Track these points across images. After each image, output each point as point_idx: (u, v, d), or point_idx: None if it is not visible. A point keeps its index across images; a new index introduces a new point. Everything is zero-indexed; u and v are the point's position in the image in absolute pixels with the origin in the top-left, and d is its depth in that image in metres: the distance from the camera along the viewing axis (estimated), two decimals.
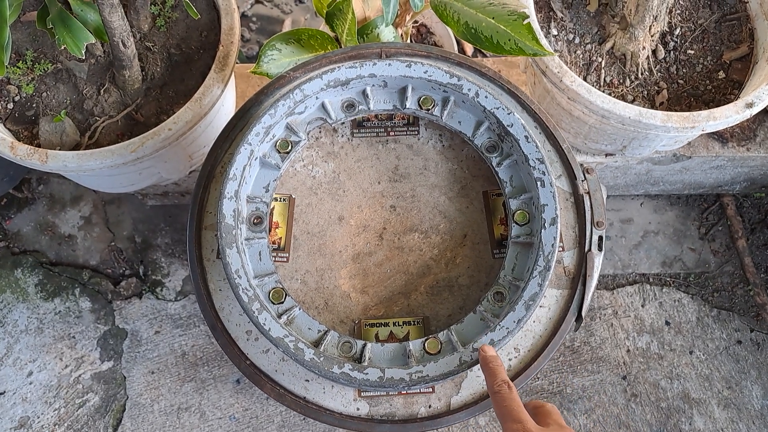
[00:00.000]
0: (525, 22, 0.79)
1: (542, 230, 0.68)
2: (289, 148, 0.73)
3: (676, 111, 1.02)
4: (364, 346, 0.67)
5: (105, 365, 1.28)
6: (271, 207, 0.77)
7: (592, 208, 0.75)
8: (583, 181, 0.76)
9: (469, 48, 1.47)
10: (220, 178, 0.75)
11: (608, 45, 1.06)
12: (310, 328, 0.68)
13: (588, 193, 0.76)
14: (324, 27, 1.05)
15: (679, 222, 1.44)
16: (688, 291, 1.39)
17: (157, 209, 1.40)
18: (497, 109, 0.72)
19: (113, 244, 1.39)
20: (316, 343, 0.67)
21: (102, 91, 0.99)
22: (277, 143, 0.73)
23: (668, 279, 1.40)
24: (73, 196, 1.42)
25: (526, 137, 0.71)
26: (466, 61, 0.81)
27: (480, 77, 0.80)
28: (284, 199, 0.78)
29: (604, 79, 1.06)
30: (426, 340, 0.67)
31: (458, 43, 1.31)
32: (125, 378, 1.27)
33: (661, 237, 1.43)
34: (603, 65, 1.06)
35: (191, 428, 1.24)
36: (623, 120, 0.95)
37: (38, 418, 1.24)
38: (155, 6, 1.02)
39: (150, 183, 1.08)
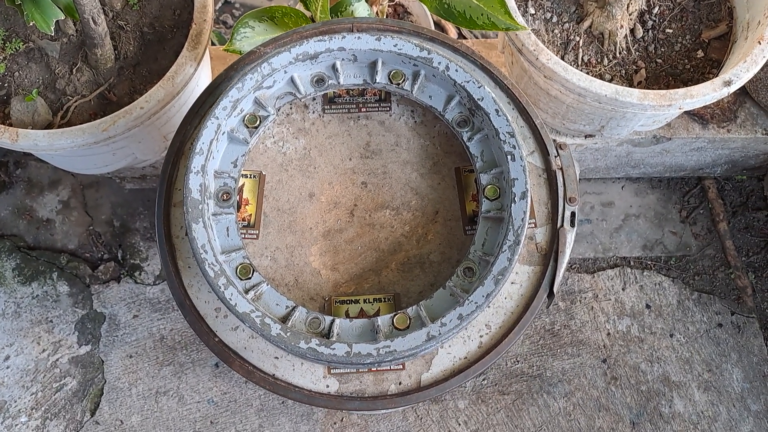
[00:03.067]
0: None
1: (512, 204, 0.68)
2: (258, 122, 0.72)
3: (654, 89, 1.02)
4: (333, 321, 0.66)
5: (83, 349, 1.27)
6: (241, 184, 0.76)
7: (564, 184, 0.75)
8: (556, 157, 0.76)
9: (452, 32, 1.46)
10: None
11: (586, 24, 1.05)
12: (278, 304, 0.67)
13: (561, 168, 0.75)
14: (300, 6, 1.04)
15: (660, 205, 1.44)
16: (669, 274, 1.39)
17: (136, 193, 1.39)
18: (467, 82, 0.71)
19: (91, 228, 1.38)
20: (284, 319, 0.66)
21: (74, 70, 0.98)
22: (246, 118, 0.72)
23: (649, 262, 1.40)
24: (51, 180, 1.40)
25: (497, 110, 0.70)
26: (439, 36, 0.80)
27: (453, 53, 0.79)
28: (254, 176, 0.77)
29: (582, 59, 1.05)
30: (394, 315, 0.67)
31: (439, 26, 1.30)
32: (103, 362, 1.26)
33: (642, 220, 1.43)
34: (581, 44, 1.05)
35: (169, 412, 1.23)
36: (600, 98, 0.94)
37: (15, 402, 1.23)
38: None
39: (125, 164, 1.07)
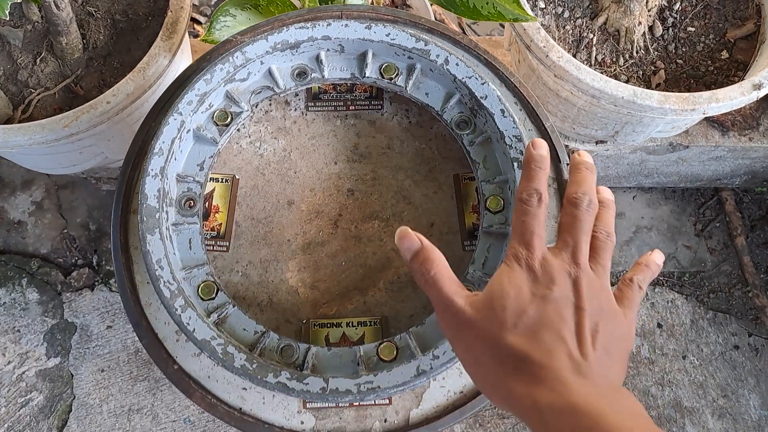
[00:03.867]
0: None
1: None
2: (229, 120, 0.63)
3: (674, 92, 0.93)
4: (308, 350, 0.57)
5: (51, 362, 1.18)
6: (211, 189, 0.67)
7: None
8: (568, 164, 0.67)
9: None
10: None
11: (601, 20, 0.97)
12: (245, 329, 0.58)
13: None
14: None
15: (673, 217, 1.35)
16: (683, 291, 1.30)
17: (113, 194, 1.30)
18: (469, 78, 0.62)
19: (66, 231, 1.29)
20: (252, 347, 0.57)
21: (38, 60, 0.89)
22: (215, 114, 0.63)
23: (661, 278, 1.31)
24: (24, 179, 1.32)
25: (502, 111, 0.61)
26: (438, 27, 0.71)
27: (453, 46, 0.70)
28: (226, 180, 0.68)
29: (596, 57, 0.96)
30: (380, 344, 0.58)
31: (440, 20, 1.21)
32: (72, 376, 1.17)
33: (654, 233, 1.34)
34: (594, 42, 0.96)
35: (142, 431, 1.14)
36: (615, 100, 0.85)
37: None
38: None
39: (94, 164, 0.98)
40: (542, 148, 0.50)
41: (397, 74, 0.65)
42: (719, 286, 1.31)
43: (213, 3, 1.68)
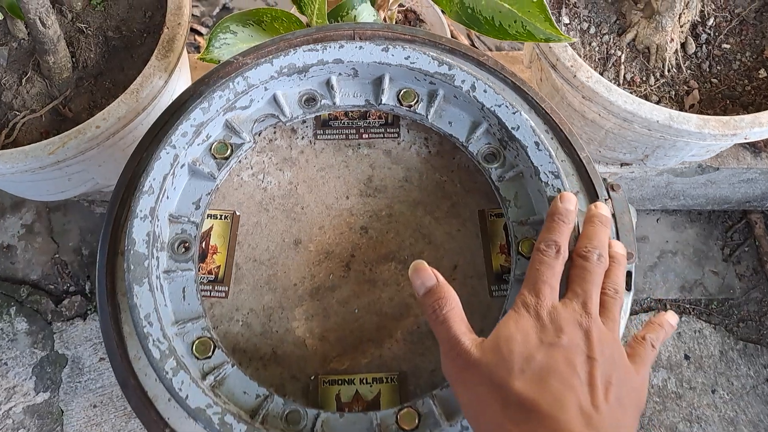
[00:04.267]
0: None
1: None
2: (229, 152, 0.57)
3: (709, 114, 0.86)
4: (317, 416, 0.50)
5: (40, 397, 1.11)
6: (209, 227, 0.60)
7: (618, 235, 0.59)
8: (606, 200, 0.60)
9: (465, 42, 1.30)
10: None
11: (629, 36, 0.90)
12: (245, 392, 0.51)
13: (613, 215, 0.59)
14: (294, 10, 0.88)
15: (699, 241, 1.28)
16: (710, 320, 1.22)
17: None
18: (499, 106, 0.55)
19: (57, 256, 1.22)
20: (253, 413, 0.50)
21: (24, 80, 0.82)
22: (213, 146, 0.56)
23: (687, 306, 1.23)
24: (14, 201, 1.25)
25: (537, 143, 0.54)
26: (460, 48, 0.64)
27: (477, 67, 0.63)
28: (226, 217, 0.61)
29: (624, 76, 0.89)
30: (400, 410, 0.50)
31: (455, 37, 1.15)
32: (63, 412, 1.10)
33: (679, 258, 1.26)
34: (623, 60, 0.90)
35: None
36: (650, 124, 0.79)
37: None
38: None
39: (84, 190, 0.91)
40: (570, 202, 0.51)
41: (417, 101, 0.58)
42: (749, 314, 1.23)
43: (215, 13, 1.62)
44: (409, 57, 0.56)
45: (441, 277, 0.48)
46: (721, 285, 1.25)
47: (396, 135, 0.63)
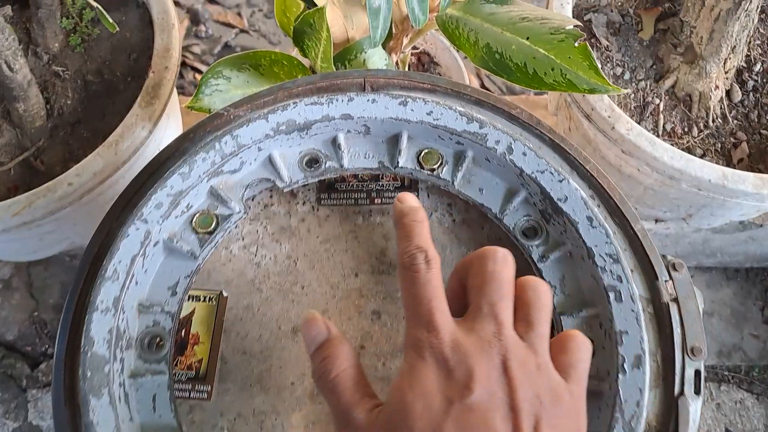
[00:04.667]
0: (577, 43, 0.54)
1: (619, 374, 0.41)
2: (214, 225, 0.47)
3: (758, 170, 0.76)
4: None
5: None
6: (189, 311, 0.50)
7: (682, 325, 0.48)
8: (667, 281, 0.50)
9: (475, 84, 1.22)
10: None
11: (668, 83, 0.81)
12: None
13: (676, 300, 0.49)
14: (296, 53, 0.80)
15: (737, 301, 1.17)
16: (752, 389, 1.11)
17: None
18: (542, 173, 0.45)
19: (36, 314, 1.11)
20: None
21: None
22: (194, 219, 0.47)
23: (726, 373, 1.12)
24: None
25: (590, 219, 0.44)
26: (488, 99, 0.55)
27: (509, 121, 0.54)
28: (211, 299, 0.51)
29: (664, 127, 0.80)
30: None
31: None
32: None
33: (715, 319, 1.16)
34: (662, 109, 0.80)
35: None
36: (699, 183, 0.69)
37: None
38: (68, 19, 0.77)
39: (60, 249, 0.82)
40: (410, 198, 0.42)
41: (441, 164, 0.48)
42: None
43: (216, 51, 1.55)
44: (431, 112, 0.47)
45: (335, 330, 0.39)
46: (762, 350, 1.14)
47: None
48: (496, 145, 0.46)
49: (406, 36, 0.73)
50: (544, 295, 0.38)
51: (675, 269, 0.51)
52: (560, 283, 0.46)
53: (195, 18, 1.60)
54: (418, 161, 0.48)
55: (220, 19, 1.62)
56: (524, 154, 0.46)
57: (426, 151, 0.48)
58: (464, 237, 0.53)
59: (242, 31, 1.63)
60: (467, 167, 0.48)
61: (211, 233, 0.46)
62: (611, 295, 0.43)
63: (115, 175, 0.69)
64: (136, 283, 0.44)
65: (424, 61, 0.91)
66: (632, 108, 0.81)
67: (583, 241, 0.44)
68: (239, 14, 1.62)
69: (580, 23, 0.55)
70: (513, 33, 0.58)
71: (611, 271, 0.43)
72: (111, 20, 0.62)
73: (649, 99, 0.81)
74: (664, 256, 0.52)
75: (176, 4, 1.63)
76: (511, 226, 0.47)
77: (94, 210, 0.76)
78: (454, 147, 0.48)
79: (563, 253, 0.46)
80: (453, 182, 0.48)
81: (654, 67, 0.82)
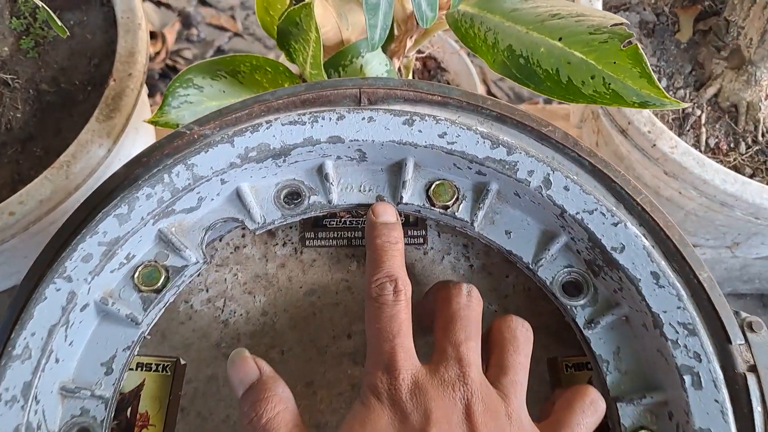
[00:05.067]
0: (625, 45, 0.43)
1: None
2: (162, 280, 0.36)
3: None
4: None
5: None
6: (138, 384, 0.39)
7: (764, 402, 0.38)
8: (741, 344, 0.39)
9: (482, 90, 1.12)
10: None
11: (710, 91, 0.70)
12: None
13: (754, 370, 0.38)
14: (283, 58, 0.69)
15: None
16: None
17: None
18: (590, 213, 0.35)
19: None
20: None
21: None
22: (137, 272, 0.36)
23: None
24: None
25: (656, 276, 0.34)
26: (513, 114, 0.44)
27: (539, 142, 0.43)
28: (165, 368, 0.40)
29: (707, 142, 0.69)
30: None
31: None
32: None
33: None
34: (703, 121, 0.70)
35: None
36: (757, 211, 0.58)
37: None
38: (19, 19, 0.66)
39: (10, 285, 0.71)
40: (387, 212, 0.37)
41: (457, 199, 0.38)
42: None
43: (209, 55, 1.45)
44: (445, 134, 0.36)
45: (268, 369, 0.35)
46: None
47: (421, 241, 0.43)
48: (529, 176, 0.35)
49: (410, 37, 0.63)
50: (521, 335, 0.35)
51: (752, 329, 0.40)
52: (614, 357, 0.35)
53: (186, 21, 1.51)
54: (428, 196, 0.38)
55: (213, 22, 1.53)
56: (566, 188, 0.35)
57: (437, 183, 0.38)
58: (484, 286, 0.42)
59: (236, 34, 1.53)
60: (490, 204, 0.38)
61: (158, 291, 0.36)
62: (687, 380, 0.32)
63: (67, 201, 0.59)
64: (57, 360, 0.33)
65: (431, 67, 0.81)
66: (670, 120, 0.70)
67: (647, 304, 0.33)
68: (233, 17, 1.52)
69: (625, 20, 0.45)
70: (541, 33, 0.47)
71: (686, 347, 0.32)
72: (59, 23, 0.52)
73: (689, 110, 0.70)
74: (737, 313, 0.41)
75: (167, 6, 1.54)
76: (548, 279, 0.37)
77: (47, 240, 0.65)
78: (474, 178, 0.37)
79: (618, 317, 0.35)
80: (472, 223, 0.37)
81: (693, 73, 0.72)
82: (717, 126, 0.70)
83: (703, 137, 0.70)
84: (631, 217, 0.40)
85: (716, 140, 0.70)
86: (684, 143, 0.60)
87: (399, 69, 0.66)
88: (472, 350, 0.34)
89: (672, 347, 0.32)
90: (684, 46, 0.73)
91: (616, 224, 0.34)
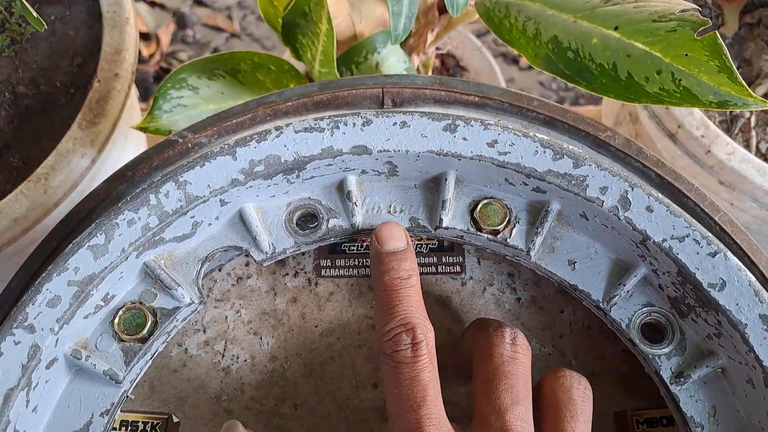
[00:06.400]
0: (699, 34, 0.36)
1: None
2: (149, 327, 0.29)
3: None
4: None
5: None
6: None
7: None
8: None
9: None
10: None
11: (760, 90, 0.64)
12: None
13: None
14: (288, 56, 0.62)
15: None
16: None
17: None
18: (681, 240, 0.28)
19: None
20: None
21: None
22: (118, 318, 0.29)
23: None
24: None
25: (766, 321, 0.27)
26: (565, 117, 0.38)
27: (595, 150, 0.37)
28: (154, 426, 0.33)
29: (758, 147, 0.63)
30: None
31: None
32: None
33: None
34: (753, 124, 0.63)
35: None
36: None
37: None
38: None
39: None
40: (394, 237, 0.30)
41: (509, 222, 0.31)
42: None
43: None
44: (496, 142, 0.29)
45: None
46: None
47: (458, 270, 0.36)
48: (602, 194, 0.28)
49: (431, 31, 0.56)
50: (578, 396, 0.29)
51: None
52: (708, 420, 0.28)
53: (181, 21, 1.44)
54: (473, 218, 0.31)
55: (209, 22, 1.46)
56: (649, 209, 0.28)
57: (484, 202, 0.31)
58: (534, 324, 0.35)
59: (233, 35, 1.46)
60: (550, 228, 0.31)
61: (144, 340, 0.29)
62: None
63: (45, 219, 0.52)
64: (20, 424, 0.26)
65: (449, 65, 0.74)
66: (717, 123, 0.63)
67: (756, 356, 0.26)
68: (230, 17, 1.46)
69: (695, 6, 0.38)
70: (593, 21, 0.41)
71: None
72: (36, 14, 0.45)
73: (737, 112, 0.64)
74: None
75: (161, 6, 1.48)
76: (624, 321, 0.30)
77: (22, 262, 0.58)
78: (530, 196, 0.31)
79: (713, 369, 0.29)
80: (528, 252, 0.30)
81: (740, 70, 0.65)
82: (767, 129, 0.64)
83: (753, 141, 0.63)
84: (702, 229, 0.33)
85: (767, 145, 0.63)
86: (742, 149, 0.53)
87: (417, 67, 0.59)
88: (521, 418, 0.28)
89: None
90: (729, 41, 0.67)
91: (714, 254, 0.27)
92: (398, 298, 0.29)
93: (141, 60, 1.17)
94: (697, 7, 0.38)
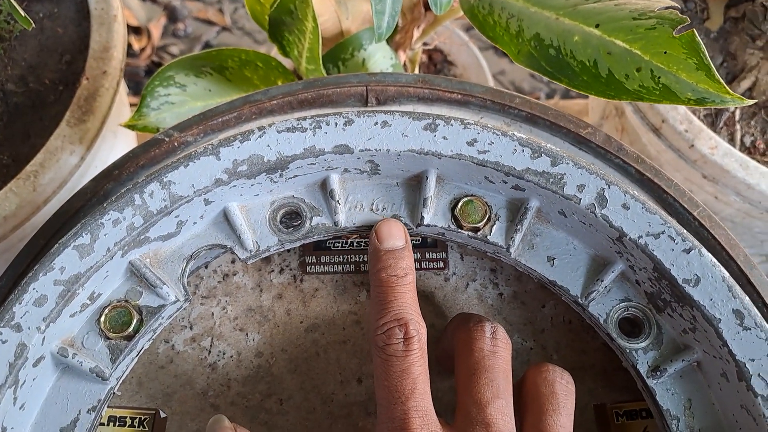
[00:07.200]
0: (678, 32, 0.37)
1: None
2: (135, 324, 0.30)
3: None
4: None
5: None
6: None
7: None
8: None
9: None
10: None
11: (745, 84, 0.64)
12: None
13: None
14: (275, 53, 0.62)
15: None
16: None
17: None
18: (657, 237, 0.28)
19: None
20: None
21: None
22: (104, 316, 0.30)
23: None
24: None
25: (740, 315, 0.27)
26: (546, 114, 0.38)
27: (576, 147, 0.37)
28: (142, 421, 0.34)
29: (742, 141, 0.63)
30: None
31: None
32: None
33: None
34: (737, 118, 0.64)
35: None
36: None
37: None
38: None
39: None
40: (393, 235, 0.31)
41: (489, 219, 0.31)
42: None
43: (196, 51, 1.38)
44: (476, 141, 0.30)
45: None
46: None
47: (442, 266, 0.37)
48: (579, 192, 0.29)
49: (417, 27, 0.56)
50: (560, 390, 0.29)
51: None
52: (684, 412, 0.29)
53: (172, 15, 1.44)
54: (454, 216, 0.31)
55: (201, 16, 1.46)
56: (625, 206, 0.29)
57: (465, 200, 0.31)
58: (515, 319, 0.36)
59: (224, 29, 1.46)
60: (529, 225, 0.31)
61: (129, 338, 0.29)
62: None
63: (34, 217, 0.52)
64: (4, 430, 0.27)
65: (437, 60, 0.74)
66: (701, 117, 0.64)
67: (729, 350, 0.27)
68: (221, 11, 1.46)
69: (676, 4, 0.39)
70: (574, 19, 0.41)
71: None
72: (23, 13, 0.45)
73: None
74: None
75: (152, 0, 1.47)
76: (602, 316, 0.30)
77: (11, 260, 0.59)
78: (509, 194, 0.31)
79: (689, 363, 0.29)
80: (508, 248, 0.31)
81: (725, 64, 0.66)
82: (752, 123, 0.64)
83: (738, 135, 0.64)
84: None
85: (752, 138, 0.64)
86: (725, 143, 0.54)
87: (404, 64, 0.60)
88: (501, 411, 0.28)
89: (763, 405, 0.26)
90: (714, 35, 0.67)
91: (688, 251, 0.28)
92: (393, 295, 0.29)
93: (132, 54, 1.17)
94: (676, 4, 0.38)
